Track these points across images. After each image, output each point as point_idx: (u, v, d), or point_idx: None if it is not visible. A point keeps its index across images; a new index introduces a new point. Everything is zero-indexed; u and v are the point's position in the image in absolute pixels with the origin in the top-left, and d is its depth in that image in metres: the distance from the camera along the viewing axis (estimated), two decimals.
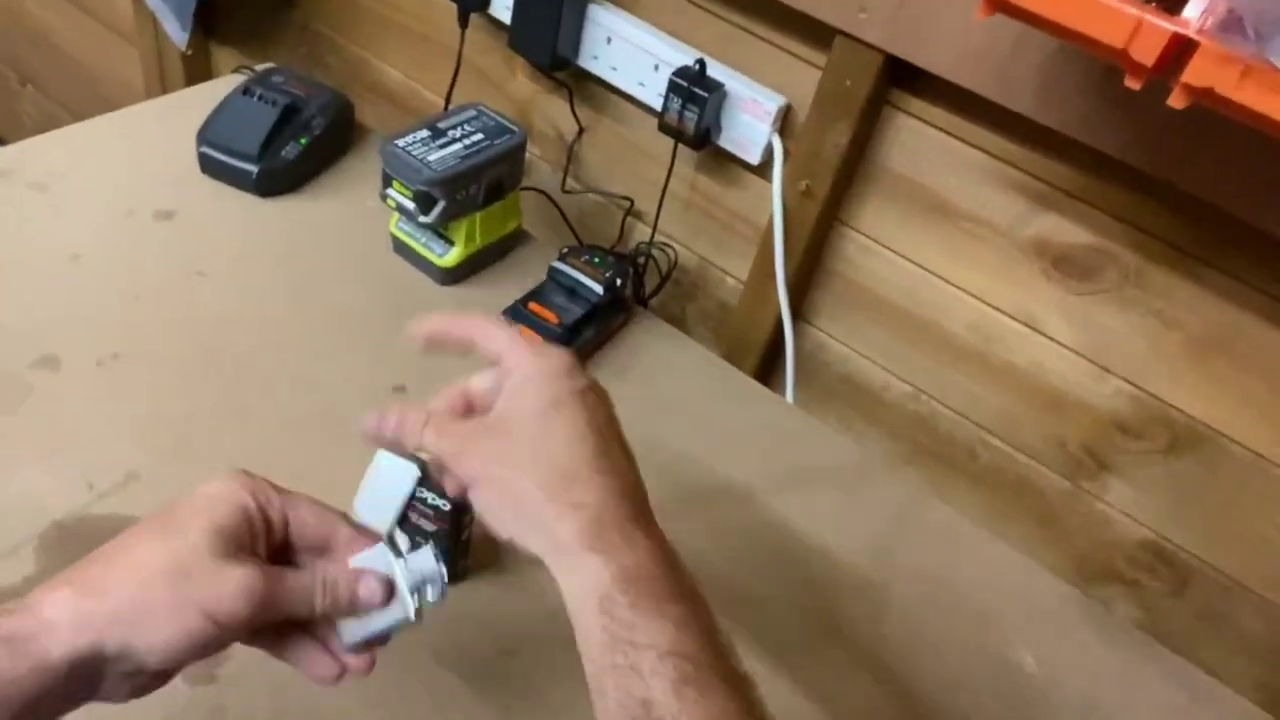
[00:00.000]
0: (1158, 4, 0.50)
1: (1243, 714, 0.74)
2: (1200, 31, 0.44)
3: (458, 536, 0.63)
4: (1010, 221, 0.77)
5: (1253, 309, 0.70)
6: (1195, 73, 0.44)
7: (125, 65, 1.44)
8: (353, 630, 0.45)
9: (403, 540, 0.48)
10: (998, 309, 0.81)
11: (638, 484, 0.45)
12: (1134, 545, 0.83)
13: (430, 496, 0.59)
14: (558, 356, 0.46)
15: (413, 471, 0.47)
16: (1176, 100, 0.45)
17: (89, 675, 0.38)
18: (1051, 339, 0.80)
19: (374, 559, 0.45)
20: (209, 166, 0.93)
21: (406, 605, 0.45)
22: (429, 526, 0.64)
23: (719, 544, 0.75)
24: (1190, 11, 0.44)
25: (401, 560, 0.46)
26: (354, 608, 0.44)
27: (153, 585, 0.39)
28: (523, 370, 0.45)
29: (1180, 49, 0.45)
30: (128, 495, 0.65)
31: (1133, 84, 0.47)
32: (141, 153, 0.95)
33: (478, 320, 0.48)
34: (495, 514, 0.43)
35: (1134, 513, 0.82)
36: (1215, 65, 0.43)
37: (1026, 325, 0.81)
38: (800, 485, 0.82)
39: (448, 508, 0.59)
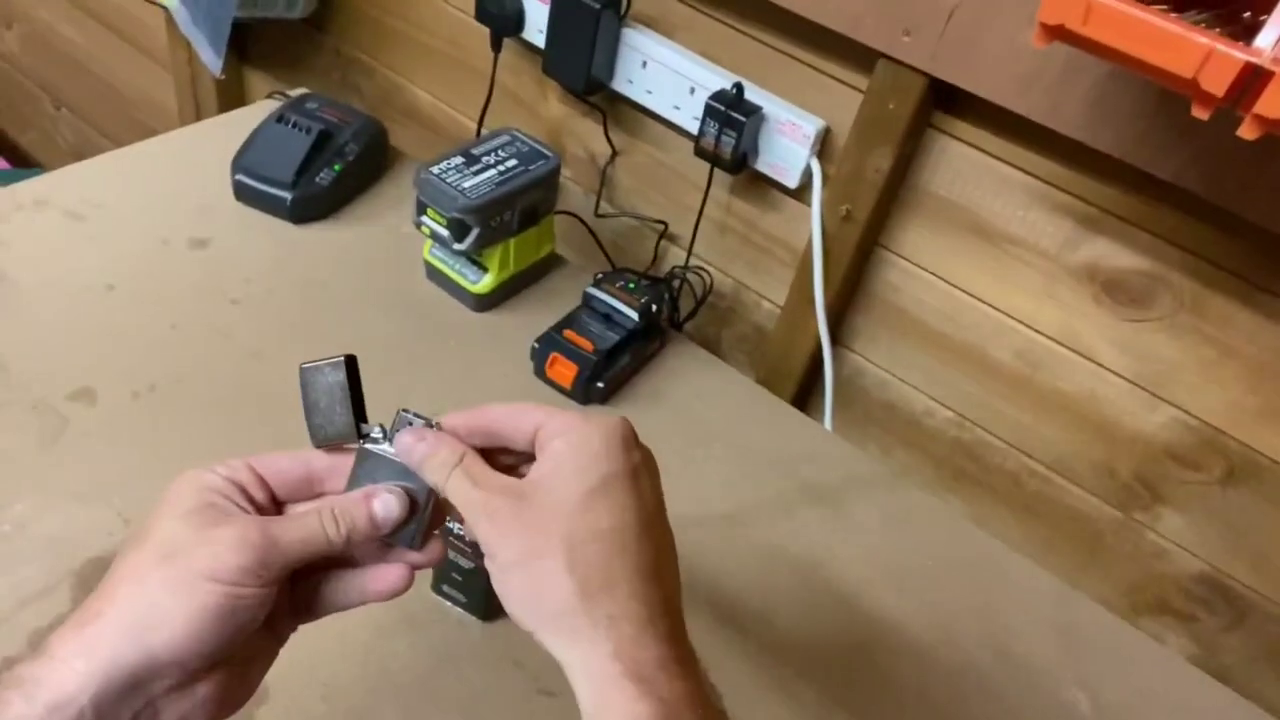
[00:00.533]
0: (1221, 31, 0.49)
1: None
2: (1274, 61, 0.42)
3: None
4: (1058, 246, 0.75)
5: None
6: (1269, 104, 0.42)
7: (160, 90, 1.45)
8: (401, 537, 0.42)
9: (375, 429, 0.43)
10: (1045, 335, 0.79)
11: (678, 589, 0.40)
12: (1189, 578, 0.81)
13: (457, 527, 0.58)
14: (611, 425, 0.40)
15: (338, 365, 0.43)
16: (1248, 131, 0.43)
17: (129, 702, 0.36)
18: (1102, 365, 0.78)
19: (370, 470, 0.42)
20: (243, 194, 0.93)
21: (422, 478, 0.42)
22: (466, 564, 0.63)
23: (757, 575, 0.73)
24: (1263, 40, 0.42)
25: (387, 443, 0.42)
26: (378, 528, 0.41)
27: (147, 581, 0.37)
28: (569, 437, 0.39)
29: (1250, 78, 0.43)
30: None
31: (1200, 114, 0.45)
32: (176, 180, 0.95)
33: (491, 409, 0.42)
34: (516, 603, 0.38)
35: (1188, 545, 0.80)
36: None
37: (1075, 351, 0.78)
38: (840, 515, 0.80)
39: None
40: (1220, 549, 0.78)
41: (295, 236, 0.92)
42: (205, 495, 0.40)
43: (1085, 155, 0.69)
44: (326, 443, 0.43)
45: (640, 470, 0.40)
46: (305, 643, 0.43)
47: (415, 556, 0.43)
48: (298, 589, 0.42)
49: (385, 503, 0.41)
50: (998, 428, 0.86)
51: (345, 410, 0.42)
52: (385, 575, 0.42)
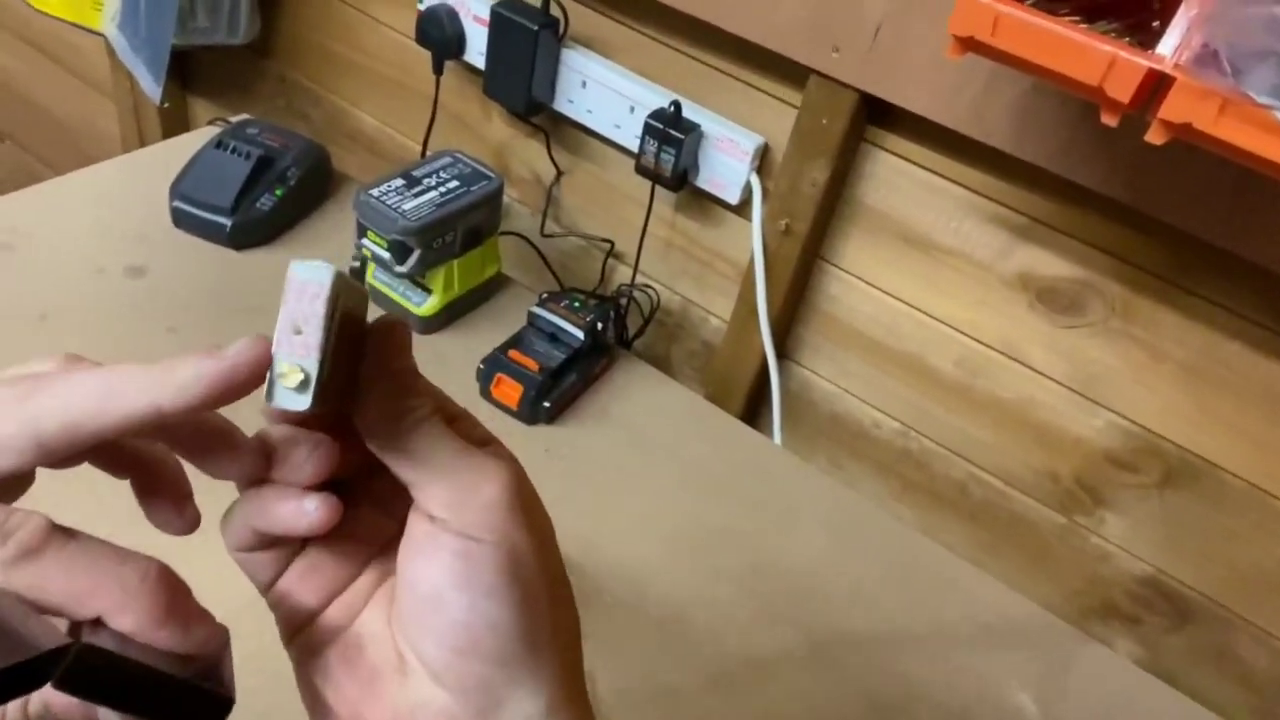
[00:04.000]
0: (1130, 40, 0.50)
1: None
2: (1176, 67, 0.43)
3: None
4: (992, 255, 0.76)
5: (1241, 338, 0.69)
6: (1172, 108, 0.43)
7: (103, 119, 1.43)
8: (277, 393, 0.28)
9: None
10: (983, 343, 0.80)
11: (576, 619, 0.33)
12: (1132, 580, 0.82)
13: None
14: (501, 520, 0.29)
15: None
16: (1154, 136, 0.45)
17: None
18: (1039, 372, 0.79)
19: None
20: (182, 221, 0.92)
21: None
22: None
23: (704, 589, 0.73)
24: (1165, 47, 0.44)
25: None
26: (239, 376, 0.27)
27: None
28: (464, 553, 0.29)
29: (1156, 84, 0.44)
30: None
31: (1109, 120, 0.46)
32: (113, 208, 0.94)
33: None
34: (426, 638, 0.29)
35: (1131, 547, 0.81)
36: (1192, 100, 0.42)
37: (1013, 359, 0.79)
38: (789, 528, 0.80)
39: None
40: (1162, 551, 0.80)
41: (235, 263, 0.91)
42: None
43: (1013, 165, 0.71)
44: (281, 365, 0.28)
45: (545, 540, 0.31)
46: None
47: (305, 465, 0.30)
48: None
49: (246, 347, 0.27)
50: (942, 436, 0.86)
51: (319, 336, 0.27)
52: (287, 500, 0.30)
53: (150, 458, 0.32)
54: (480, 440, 0.32)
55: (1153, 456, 0.77)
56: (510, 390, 0.83)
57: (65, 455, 0.27)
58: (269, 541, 0.32)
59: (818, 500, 0.83)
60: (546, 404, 0.83)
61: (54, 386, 0.27)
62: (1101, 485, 0.80)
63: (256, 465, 0.30)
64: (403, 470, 0.30)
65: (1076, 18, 0.53)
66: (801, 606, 0.74)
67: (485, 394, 0.84)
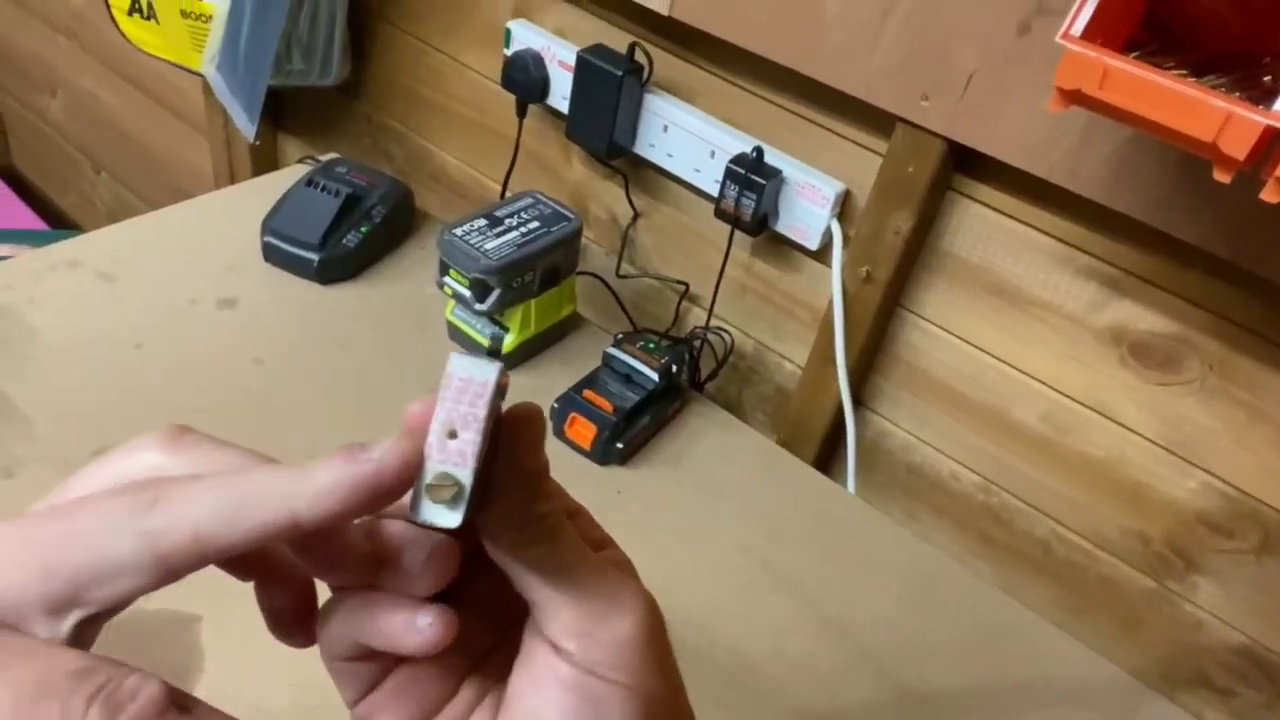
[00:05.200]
0: (1240, 95, 0.49)
1: None
2: None
3: None
4: (1083, 308, 0.75)
5: None
6: None
7: (196, 154, 1.49)
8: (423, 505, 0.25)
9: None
10: (1071, 398, 0.78)
11: None
12: (1227, 651, 0.78)
13: None
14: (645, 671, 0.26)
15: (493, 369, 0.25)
16: (1271, 194, 0.43)
17: None
18: (1130, 429, 0.76)
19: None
20: (272, 255, 0.94)
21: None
22: None
23: (777, 640, 0.71)
24: None
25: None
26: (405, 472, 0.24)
27: None
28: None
29: (1272, 141, 0.43)
30: (178, 591, 0.64)
31: (1222, 177, 0.45)
32: (207, 242, 0.97)
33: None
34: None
35: (1225, 615, 0.77)
36: None
37: (1102, 415, 0.77)
38: (864, 580, 0.78)
39: None
40: (1259, 620, 0.76)
41: (321, 297, 0.94)
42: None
43: (1107, 217, 0.69)
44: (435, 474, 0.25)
45: (679, 688, 0.29)
46: None
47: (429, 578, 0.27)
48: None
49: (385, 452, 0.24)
50: (1025, 492, 0.84)
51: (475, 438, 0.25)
52: (400, 614, 0.26)
53: (280, 560, 0.28)
54: (598, 542, 0.29)
55: (1250, 521, 0.73)
56: (584, 430, 0.83)
57: (189, 573, 0.24)
58: (368, 653, 0.28)
59: (893, 552, 0.81)
60: (620, 445, 0.83)
61: (178, 496, 0.24)
62: (1194, 549, 0.77)
63: (367, 569, 0.26)
64: (526, 584, 0.26)
65: (1184, 71, 0.52)
66: (875, 662, 0.72)
67: (559, 433, 0.84)
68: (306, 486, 0.24)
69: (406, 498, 0.24)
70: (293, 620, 0.28)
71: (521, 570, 0.26)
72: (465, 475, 0.24)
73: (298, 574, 0.28)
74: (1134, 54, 0.52)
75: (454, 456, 0.24)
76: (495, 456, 0.26)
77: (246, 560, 0.27)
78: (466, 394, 0.24)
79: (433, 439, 0.24)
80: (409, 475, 0.24)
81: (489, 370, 0.24)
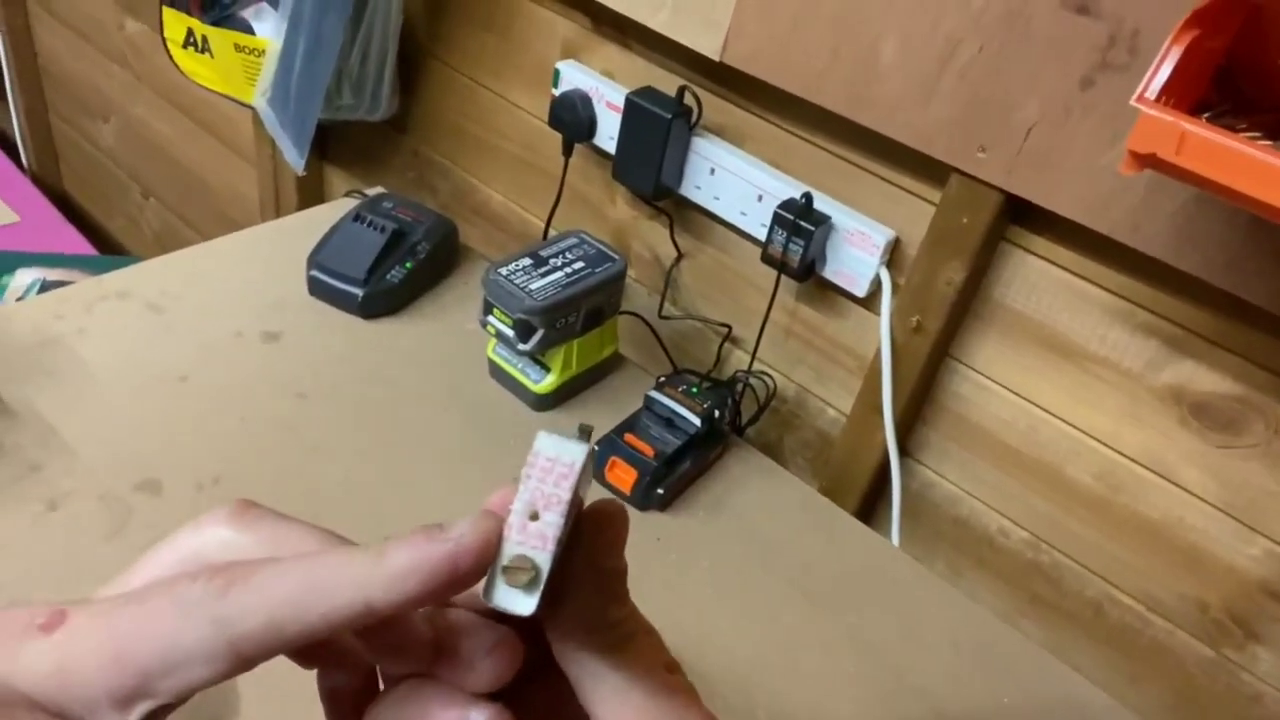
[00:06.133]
0: None
1: None
2: None
3: None
4: (1142, 366, 0.73)
5: None
6: None
7: (243, 183, 1.51)
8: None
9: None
10: (1128, 457, 0.76)
11: None
12: None
13: None
14: None
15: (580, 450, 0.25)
16: None
17: None
18: (1189, 492, 0.74)
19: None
20: (317, 289, 0.95)
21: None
22: None
23: (819, 697, 0.69)
24: None
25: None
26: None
27: None
28: None
29: None
30: None
31: None
32: (253, 275, 0.98)
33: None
34: None
35: None
36: None
37: (1161, 475, 0.75)
38: (907, 637, 0.76)
39: None
40: None
41: (364, 332, 0.94)
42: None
43: (1169, 275, 0.67)
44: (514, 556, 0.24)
45: None
46: None
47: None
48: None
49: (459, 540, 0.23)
50: (1077, 552, 0.81)
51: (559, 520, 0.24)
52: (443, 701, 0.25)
53: (344, 645, 0.27)
54: (667, 666, 0.27)
55: None
56: (625, 475, 0.82)
57: (262, 662, 0.23)
58: None
59: (939, 609, 0.79)
60: (660, 490, 0.82)
61: (252, 581, 0.23)
62: (1255, 618, 0.74)
63: (426, 656, 0.25)
64: (590, 692, 0.25)
65: (1257, 134, 0.50)
66: None
67: (599, 476, 0.83)
68: (382, 570, 0.22)
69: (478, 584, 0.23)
70: (351, 706, 0.27)
71: (588, 677, 0.25)
72: (544, 559, 0.23)
73: (361, 658, 0.27)
74: (1205, 115, 0.51)
75: (534, 539, 0.23)
76: (573, 549, 0.25)
77: (313, 647, 0.26)
78: (551, 474, 0.23)
79: (514, 519, 0.23)
80: (488, 557, 0.23)
81: (577, 452, 0.24)
